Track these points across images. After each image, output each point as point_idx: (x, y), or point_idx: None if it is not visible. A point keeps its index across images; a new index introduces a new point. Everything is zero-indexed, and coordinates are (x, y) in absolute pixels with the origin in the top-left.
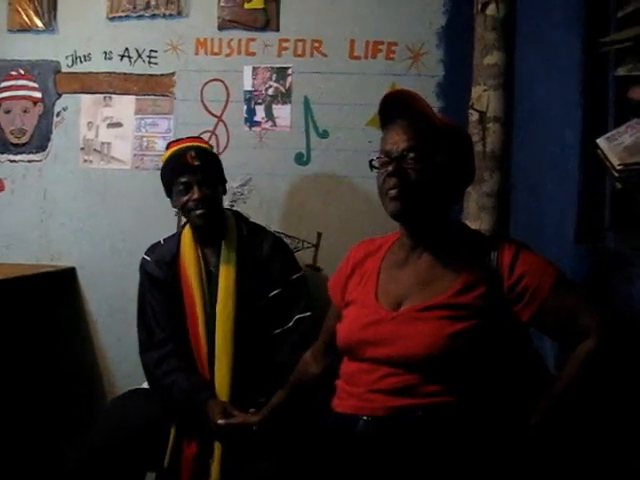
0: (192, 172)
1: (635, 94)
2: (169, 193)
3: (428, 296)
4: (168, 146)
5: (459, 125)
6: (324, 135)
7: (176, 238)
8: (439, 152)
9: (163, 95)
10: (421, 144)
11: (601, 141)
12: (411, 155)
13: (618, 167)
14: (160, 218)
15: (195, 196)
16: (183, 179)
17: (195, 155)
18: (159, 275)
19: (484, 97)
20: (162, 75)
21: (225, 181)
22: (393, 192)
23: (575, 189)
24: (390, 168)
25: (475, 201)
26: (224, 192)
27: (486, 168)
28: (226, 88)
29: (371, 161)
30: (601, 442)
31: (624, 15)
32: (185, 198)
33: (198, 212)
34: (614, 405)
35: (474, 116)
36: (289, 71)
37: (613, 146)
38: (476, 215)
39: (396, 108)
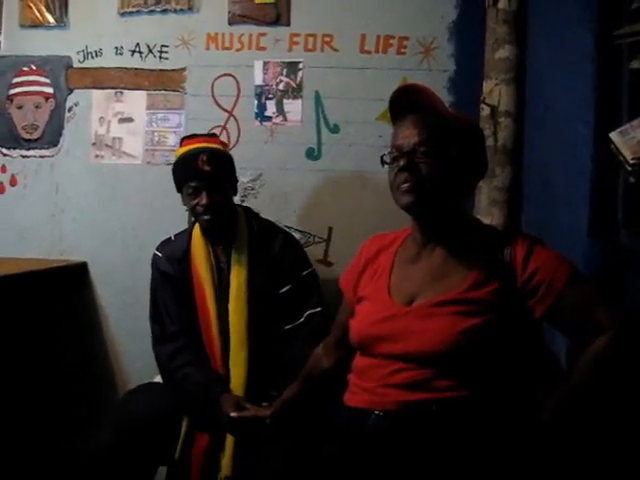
0: (202, 178)
1: None
2: (180, 190)
3: (441, 291)
4: (182, 142)
5: (470, 119)
6: (335, 130)
7: (187, 234)
8: (450, 146)
9: (174, 90)
10: (432, 138)
11: (614, 135)
12: (422, 149)
13: (632, 161)
14: (171, 213)
15: (203, 202)
16: (192, 183)
17: (207, 159)
18: (170, 271)
19: (495, 91)
20: (173, 70)
21: (237, 181)
22: (405, 186)
23: (588, 184)
24: (402, 163)
25: (486, 195)
26: (235, 193)
27: (497, 162)
28: (237, 83)
29: (382, 156)
30: (612, 438)
31: (638, 7)
32: (194, 202)
33: (205, 217)
34: (627, 402)
35: (485, 110)
36: (300, 66)
37: (626, 140)
38: (487, 210)
39: (407, 103)
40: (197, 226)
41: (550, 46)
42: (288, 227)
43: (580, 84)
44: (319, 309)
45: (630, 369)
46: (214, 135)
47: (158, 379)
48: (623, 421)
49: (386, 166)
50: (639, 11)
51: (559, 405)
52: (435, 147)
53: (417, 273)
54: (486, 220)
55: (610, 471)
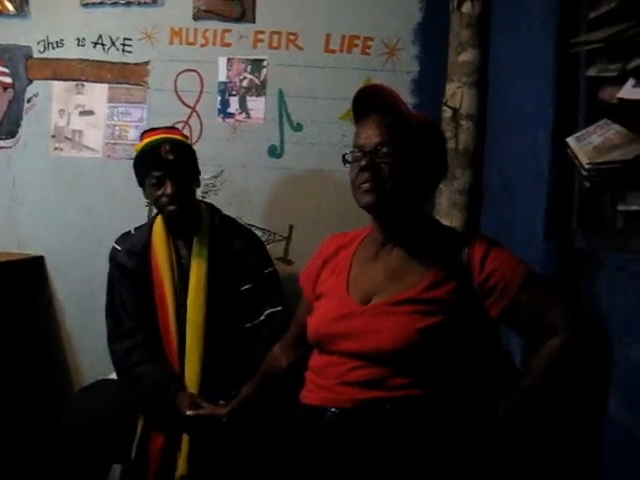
0: (166, 166)
1: (605, 95)
2: (141, 184)
3: (398, 290)
4: (142, 136)
5: (432, 120)
6: (298, 128)
7: (147, 228)
8: (412, 147)
9: (137, 84)
10: (394, 139)
11: (571, 140)
12: (384, 150)
13: (587, 166)
14: (131, 208)
15: (168, 191)
16: (156, 173)
17: (170, 149)
18: (129, 265)
19: (458, 94)
20: (136, 64)
21: (199, 173)
22: (366, 186)
23: (545, 187)
24: (363, 162)
25: (447, 198)
26: (198, 185)
27: (458, 165)
28: (200, 79)
29: (344, 155)
30: (565, 437)
31: (596, 16)
32: (158, 193)
33: (170, 208)
34: (578, 401)
35: (448, 113)
36: (264, 63)
37: (582, 145)
38: (447, 212)
39: (370, 103)
40: (158, 220)
41: (512, 51)
42: (249, 225)
43: (539, 89)
44: (279, 308)
45: (582, 370)
46: (175, 128)
47: (114, 376)
48: (574, 420)
49: (348, 165)
50: (597, 20)
51: (512, 405)
52: (396, 148)
53: (375, 272)
54: (446, 222)
55: (561, 471)
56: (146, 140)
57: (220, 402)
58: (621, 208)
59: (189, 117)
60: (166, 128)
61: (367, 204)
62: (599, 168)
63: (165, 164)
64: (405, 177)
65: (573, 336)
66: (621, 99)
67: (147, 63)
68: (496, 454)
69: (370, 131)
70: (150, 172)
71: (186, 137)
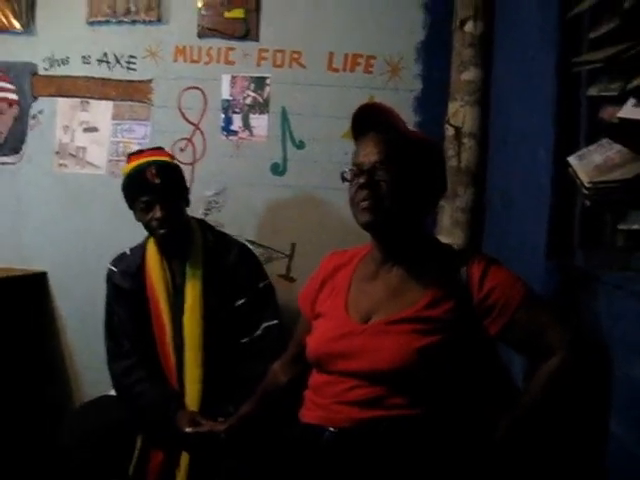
0: (153, 191)
1: (605, 114)
2: (132, 207)
3: (397, 309)
4: (129, 159)
5: (430, 138)
6: (300, 146)
7: (141, 249)
8: (410, 165)
9: (140, 101)
10: (392, 157)
11: (572, 159)
12: (382, 167)
13: (587, 185)
14: (134, 225)
15: (157, 215)
16: (144, 198)
17: (156, 172)
18: (125, 286)
19: (460, 113)
20: (140, 81)
21: (188, 192)
22: (364, 204)
23: (547, 206)
24: (361, 180)
25: (449, 216)
26: (187, 204)
27: (461, 183)
28: (204, 96)
29: (343, 173)
30: (565, 456)
31: (596, 36)
32: (147, 217)
33: (161, 232)
34: (579, 420)
35: (450, 131)
36: (267, 81)
37: (584, 164)
38: (449, 230)
39: (369, 121)
40: (151, 241)
41: (513, 70)
42: (251, 242)
43: (541, 108)
44: (276, 321)
45: (583, 389)
46: (160, 148)
47: (114, 392)
48: (573, 440)
49: (347, 183)
50: (597, 40)
51: (511, 425)
52: (395, 166)
53: (375, 291)
54: (448, 240)
55: None
56: (132, 164)
57: (219, 419)
58: (622, 227)
59: (193, 134)
60: (152, 150)
61: (365, 222)
62: (600, 187)
63: (152, 188)
64: (403, 195)
65: (572, 355)
66: (621, 118)
67: (151, 81)
68: (495, 473)
69: (369, 149)
70: (138, 197)
71: (173, 157)
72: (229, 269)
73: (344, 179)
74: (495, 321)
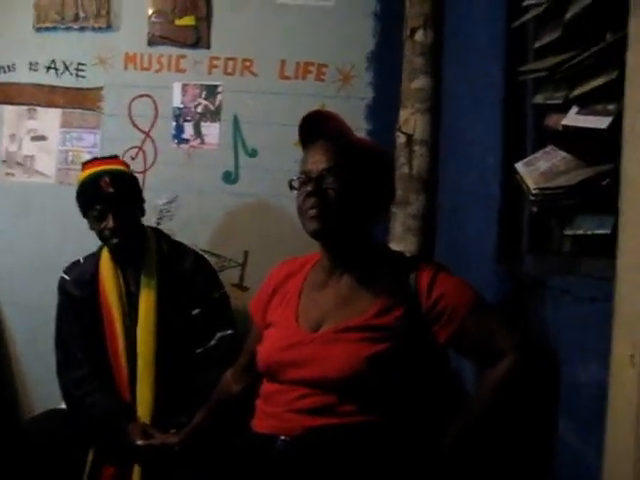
0: (106, 200)
1: (551, 121)
2: (85, 215)
3: (347, 318)
4: (83, 167)
5: (379, 146)
6: (253, 154)
7: (95, 257)
8: (358, 173)
9: (90, 109)
10: (340, 164)
11: (519, 166)
12: (330, 175)
13: (534, 191)
14: (84, 234)
15: (110, 225)
16: (97, 207)
17: (110, 181)
18: (77, 294)
19: (411, 120)
20: (90, 89)
21: (143, 201)
22: (312, 212)
23: (496, 212)
24: (309, 188)
25: (401, 223)
26: (142, 214)
27: (412, 190)
28: (155, 104)
29: (291, 181)
30: (516, 461)
31: (541, 46)
32: (100, 226)
33: (114, 241)
34: (528, 424)
35: (401, 138)
36: (219, 89)
37: (530, 171)
38: (402, 237)
39: (317, 129)
40: (105, 248)
41: (463, 79)
42: (204, 251)
43: (489, 116)
44: (231, 331)
45: (531, 393)
46: (115, 157)
47: (64, 406)
48: (524, 444)
49: (296, 191)
50: (542, 49)
51: (460, 431)
52: (343, 173)
53: (325, 299)
54: (400, 246)
55: None
56: (86, 172)
57: (172, 431)
58: (568, 232)
59: (143, 142)
60: (106, 159)
61: (313, 231)
62: (546, 193)
63: (105, 197)
64: (351, 202)
65: (520, 359)
66: (565, 126)
67: (101, 88)
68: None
69: (317, 157)
70: (92, 206)
71: (127, 166)
72: (184, 278)
73: (292, 187)
74: (444, 328)
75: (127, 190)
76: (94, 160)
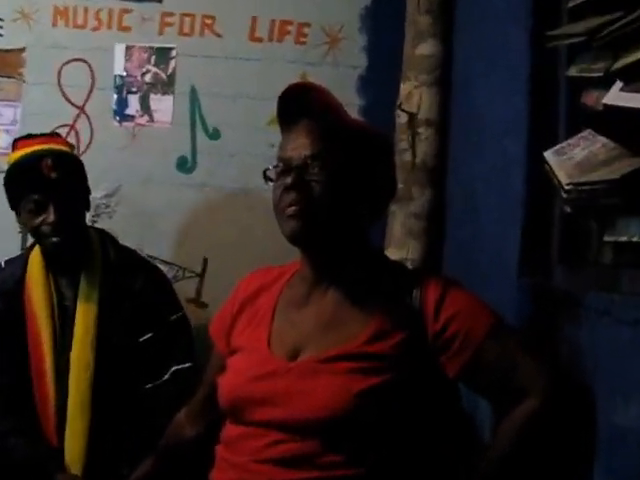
0: (47, 187)
1: (589, 99)
2: (15, 207)
3: (333, 343)
4: (15, 145)
5: (377, 129)
6: (214, 136)
7: (21, 261)
8: (351, 161)
9: (9, 76)
10: (328, 151)
11: (549, 155)
12: (315, 164)
13: (567, 187)
14: (3, 231)
15: (51, 219)
16: (35, 196)
17: (52, 164)
18: None
19: (415, 95)
20: (8, 51)
21: (89, 193)
22: (292, 210)
23: (519, 212)
24: (289, 180)
25: (401, 224)
26: (87, 208)
27: (416, 183)
28: (91, 71)
29: (266, 171)
30: None
31: (576, 5)
32: (37, 220)
33: (54, 240)
34: (558, 475)
35: (402, 118)
36: (173, 53)
37: (563, 161)
38: (402, 241)
39: (300, 106)
40: (36, 251)
41: (479, 44)
42: (152, 257)
43: (511, 92)
44: (188, 365)
45: (560, 438)
46: (57, 135)
47: None
48: None
49: (271, 183)
50: (577, 10)
51: None
52: (331, 162)
53: (305, 320)
54: (400, 254)
55: None
56: (20, 152)
57: None
58: (608, 239)
59: (76, 119)
60: (46, 136)
61: (292, 234)
62: (582, 189)
63: (47, 185)
64: (341, 199)
65: (547, 398)
66: (607, 105)
67: (23, 50)
68: None
69: (299, 141)
70: (27, 195)
71: (72, 147)
72: (134, 295)
73: (267, 178)
74: (454, 358)
75: (72, 176)
76: (30, 137)
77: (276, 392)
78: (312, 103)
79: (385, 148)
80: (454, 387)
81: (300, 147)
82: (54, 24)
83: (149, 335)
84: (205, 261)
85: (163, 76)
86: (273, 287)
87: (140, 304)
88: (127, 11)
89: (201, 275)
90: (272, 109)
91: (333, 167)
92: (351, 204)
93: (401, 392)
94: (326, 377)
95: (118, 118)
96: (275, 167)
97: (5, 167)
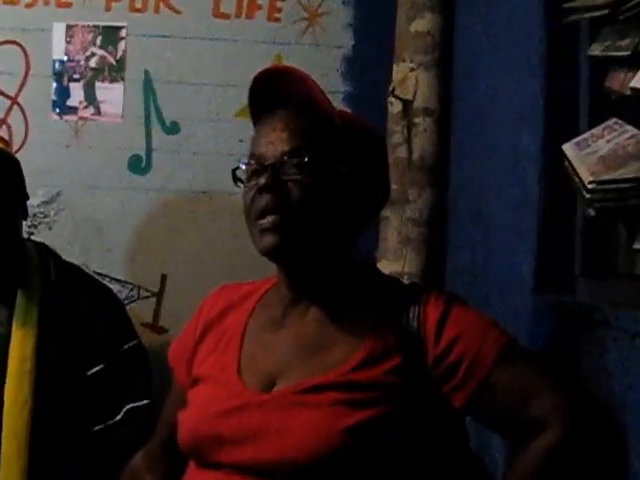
0: None
1: (614, 82)
2: None
3: (316, 371)
4: None
5: (366, 120)
6: (173, 130)
7: None
8: (336, 158)
9: None
10: (309, 146)
11: (569, 148)
12: (294, 161)
13: (590, 186)
14: None
15: None
16: None
17: None
18: None
19: (411, 79)
20: None
21: (27, 198)
22: (267, 222)
23: (534, 216)
24: (262, 180)
25: (396, 231)
26: (25, 216)
27: (412, 183)
28: (25, 55)
29: (235, 171)
30: None
31: None
32: None
33: None
34: None
35: (396, 106)
36: (122, 33)
37: (585, 155)
38: (397, 252)
39: (274, 94)
40: None
41: (486, 18)
42: (100, 275)
43: (524, 74)
44: (145, 402)
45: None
46: None
47: None
48: None
49: (241, 185)
50: None
51: None
52: (313, 159)
53: (282, 343)
54: (395, 267)
55: None
56: None
57: None
58: (639, 246)
59: (8, 112)
60: None
61: (268, 247)
62: (607, 188)
63: None
64: (325, 202)
65: (569, 433)
66: (635, 89)
67: None
68: None
69: (274, 134)
70: None
71: (6, 143)
72: (79, 319)
73: (237, 179)
74: (459, 388)
75: (7, 180)
76: None
77: (247, 429)
78: (289, 90)
79: (376, 142)
80: (460, 419)
81: (276, 142)
82: None
83: (98, 367)
84: (163, 278)
85: (111, 60)
86: (243, 306)
87: (87, 330)
88: None
89: (159, 295)
90: (242, 98)
91: (315, 165)
92: (337, 209)
93: (396, 427)
94: (307, 411)
95: (58, 110)
96: (246, 166)
97: None
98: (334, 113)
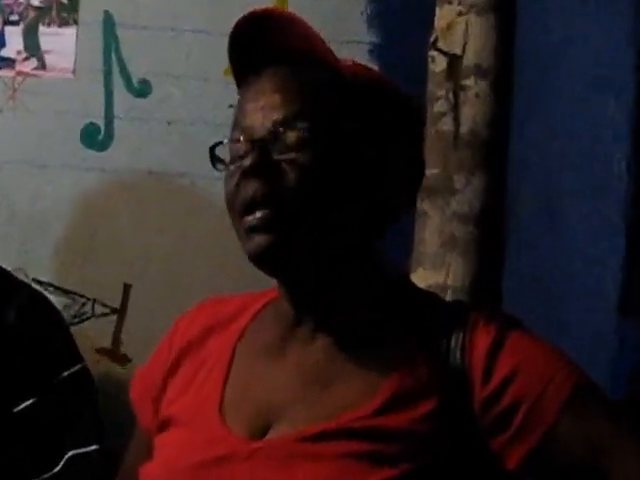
0: None
1: None
2: None
3: (324, 413)
4: None
5: (395, 81)
6: (142, 91)
7: None
8: (349, 132)
9: None
10: (311, 114)
11: None
12: (291, 135)
13: None
14: None
15: None
16: None
17: None
18: None
19: (459, 27)
20: None
21: None
22: (253, 218)
23: (621, 211)
24: (248, 161)
25: (436, 229)
26: None
27: (459, 166)
28: None
29: (214, 148)
30: None
31: None
32: None
33: None
34: None
35: (439, 63)
36: None
37: None
38: (438, 258)
39: (262, 46)
40: None
41: None
42: (39, 282)
43: (609, 25)
44: (94, 447)
45: None
46: None
47: None
48: None
49: (223, 168)
50: None
51: None
52: (317, 131)
53: (280, 376)
54: (435, 279)
55: None
56: None
57: None
58: None
59: None
60: None
61: (257, 253)
62: None
63: None
64: (334, 192)
65: None
66: None
67: None
68: None
69: (263, 99)
70: None
71: None
72: (6, 340)
73: (216, 161)
74: (515, 441)
75: None
76: None
77: None
78: (282, 41)
79: (408, 111)
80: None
81: (265, 108)
82: None
83: (29, 402)
84: (127, 289)
85: None
86: (230, 327)
87: (14, 352)
88: None
89: (120, 311)
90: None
91: (319, 140)
92: (350, 198)
93: None
94: (310, 465)
95: None
96: (231, 142)
97: None
98: (341, 67)
